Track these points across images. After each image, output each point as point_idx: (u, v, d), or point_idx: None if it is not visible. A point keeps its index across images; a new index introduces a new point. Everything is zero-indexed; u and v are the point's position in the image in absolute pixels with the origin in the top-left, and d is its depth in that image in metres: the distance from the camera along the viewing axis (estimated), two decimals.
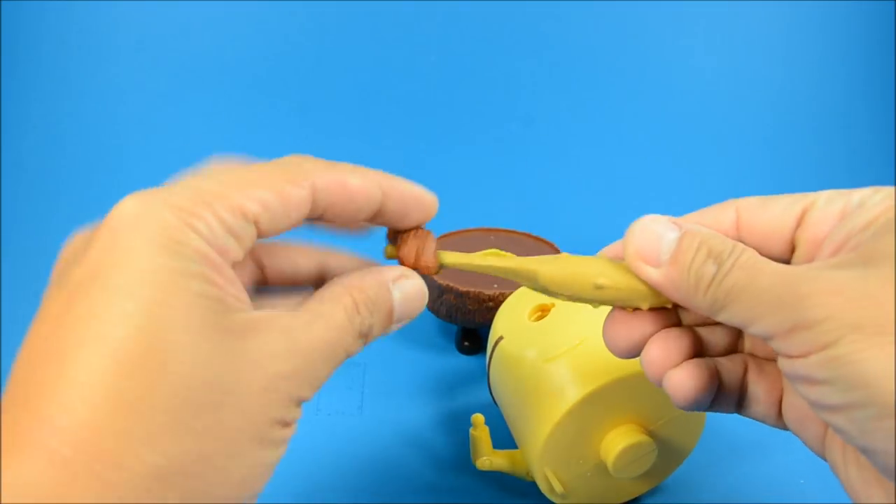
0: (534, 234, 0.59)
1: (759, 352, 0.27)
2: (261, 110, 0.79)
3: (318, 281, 0.27)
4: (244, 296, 0.21)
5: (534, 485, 0.38)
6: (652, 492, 0.41)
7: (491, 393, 0.43)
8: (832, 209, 0.24)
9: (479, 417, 0.37)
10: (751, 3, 0.81)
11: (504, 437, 0.43)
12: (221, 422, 0.19)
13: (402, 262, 0.26)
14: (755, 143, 0.82)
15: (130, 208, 0.20)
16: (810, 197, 0.25)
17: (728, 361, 0.26)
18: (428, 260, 0.26)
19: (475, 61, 0.81)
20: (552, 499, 0.38)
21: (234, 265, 0.21)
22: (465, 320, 0.50)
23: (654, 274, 0.24)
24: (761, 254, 0.24)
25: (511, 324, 0.41)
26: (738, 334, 0.27)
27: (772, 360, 0.26)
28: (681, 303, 0.24)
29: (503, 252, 0.56)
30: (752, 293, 0.21)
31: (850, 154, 0.81)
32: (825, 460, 0.24)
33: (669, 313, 0.27)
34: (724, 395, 0.26)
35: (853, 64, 0.83)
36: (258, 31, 0.80)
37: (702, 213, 0.26)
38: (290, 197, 0.22)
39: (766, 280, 0.21)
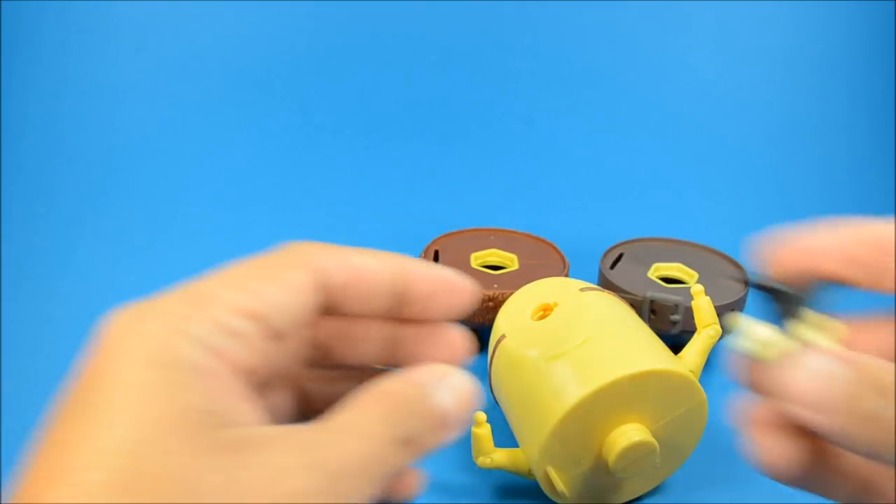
0: (534, 234, 0.59)
1: None
2: (261, 110, 0.79)
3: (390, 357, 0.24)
4: (247, 406, 0.19)
5: (535, 483, 0.38)
6: (652, 492, 0.41)
7: (492, 392, 0.43)
8: None
9: (480, 415, 0.37)
10: (751, 4, 0.81)
11: (505, 436, 0.44)
12: None
13: None
14: (755, 142, 0.82)
15: (119, 322, 0.18)
16: None
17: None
18: None
19: (475, 61, 0.81)
20: (553, 498, 0.38)
21: (260, 370, 0.19)
22: (465, 320, 0.50)
23: (822, 422, 0.19)
24: None
25: (513, 323, 0.41)
26: None
27: None
28: (852, 451, 0.20)
29: (504, 252, 0.56)
30: None
31: (851, 154, 0.81)
32: None
33: None
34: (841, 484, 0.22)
35: (853, 64, 0.83)
36: (258, 31, 0.80)
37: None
38: (291, 282, 0.20)
39: None
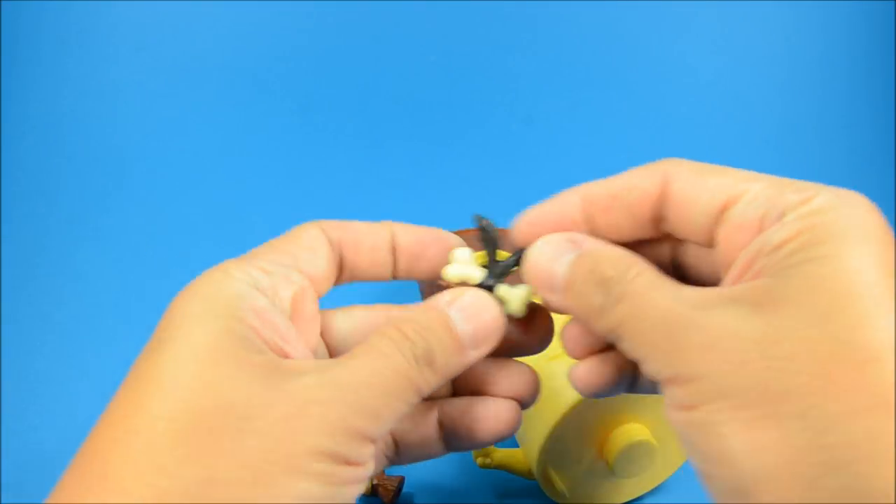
0: None
1: None
2: (261, 110, 0.79)
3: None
4: (283, 344, 0.21)
5: (535, 483, 0.38)
6: (652, 492, 0.41)
7: None
8: (753, 212, 0.19)
9: None
10: (751, 4, 0.81)
11: None
12: (242, 448, 0.18)
13: None
14: (755, 142, 0.82)
15: (184, 290, 0.22)
16: (741, 185, 0.20)
17: None
18: None
19: (475, 61, 0.81)
20: (553, 498, 0.38)
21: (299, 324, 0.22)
22: None
23: (553, 300, 0.22)
24: (686, 240, 0.21)
25: None
26: None
27: None
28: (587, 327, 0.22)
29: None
30: (636, 331, 0.19)
31: (851, 154, 0.82)
32: None
33: None
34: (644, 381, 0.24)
35: (853, 64, 0.83)
36: (258, 31, 0.80)
37: (626, 175, 0.23)
38: (309, 237, 0.23)
39: (650, 318, 0.18)
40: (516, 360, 0.26)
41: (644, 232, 0.23)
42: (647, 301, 0.19)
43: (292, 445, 0.18)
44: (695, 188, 0.21)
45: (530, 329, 0.25)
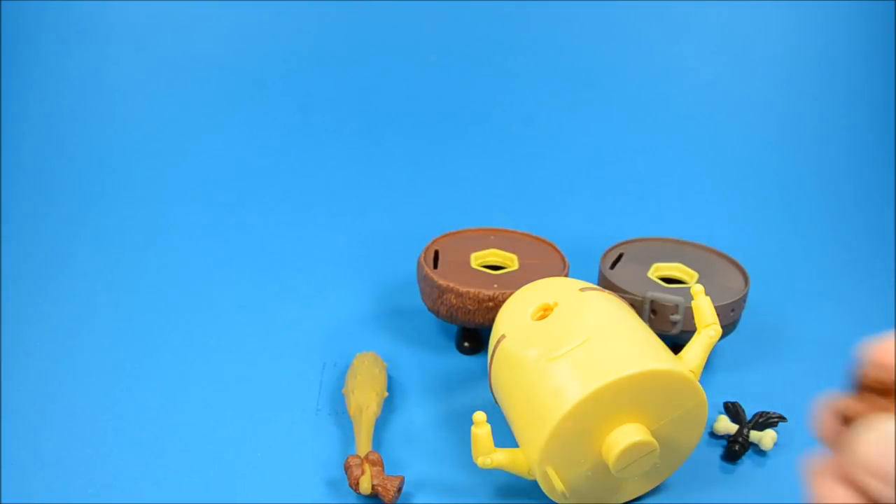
0: (534, 234, 0.59)
1: None
2: (261, 110, 0.79)
3: None
4: None
5: (535, 483, 0.38)
6: (652, 492, 0.41)
7: (492, 391, 0.43)
8: None
9: (480, 415, 0.37)
10: (751, 4, 0.81)
11: (505, 436, 0.44)
12: None
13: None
14: (756, 142, 0.82)
15: None
16: None
17: None
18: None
19: (475, 61, 0.81)
20: (553, 498, 0.38)
21: None
22: (465, 320, 0.50)
23: (886, 493, 0.19)
24: None
25: (513, 323, 0.41)
26: None
27: None
28: None
29: (504, 252, 0.56)
30: None
31: (851, 154, 0.81)
32: None
33: None
34: None
35: (853, 64, 0.83)
36: (258, 31, 0.80)
37: None
38: None
39: None
40: None
41: None
42: None
43: None
44: None
45: None
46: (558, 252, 0.56)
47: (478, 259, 0.55)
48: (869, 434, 0.20)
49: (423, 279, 0.52)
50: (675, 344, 0.49)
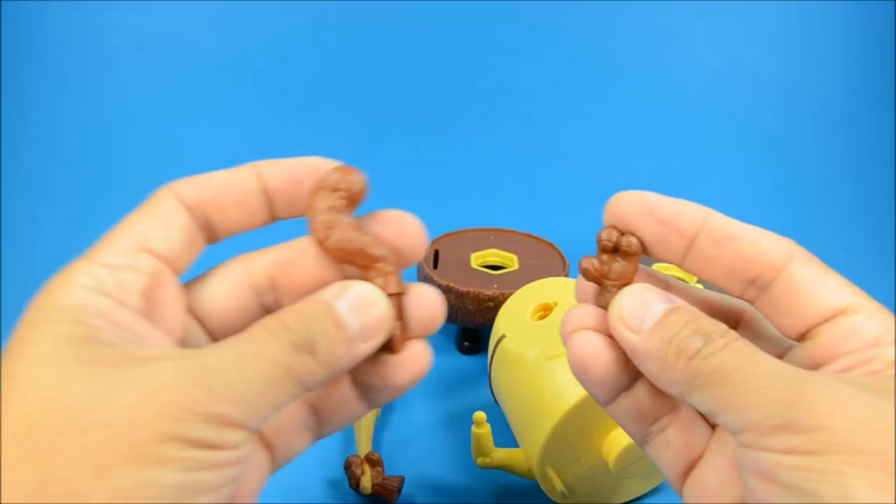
0: (534, 234, 0.59)
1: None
2: (261, 110, 0.79)
3: None
4: (138, 340, 0.20)
5: (535, 483, 0.38)
6: (652, 492, 0.41)
7: (492, 391, 0.43)
8: (874, 328, 0.21)
9: (480, 415, 0.37)
10: (751, 4, 0.81)
11: (505, 436, 0.44)
12: (82, 441, 0.17)
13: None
14: (755, 142, 0.82)
15: (33, 302, 0.21)
16: (860, 299, 0.22)
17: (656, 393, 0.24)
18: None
19: (476, 61, 0.81)
20: (553, 498, 0.38)
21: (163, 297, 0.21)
22: (465, 320, 0.50)
23: (632, 339, 0.22)
24: (768, 317, 0.22)
25: (513, 322, 0.41)
26: None
27: (709, 423, 0.24)
28: (649, 375, 0.22)
29: (504, 252, 0.56)
30: (744, 378, 0.19)
31: (851, 154, 0.82)
32: None
33: None
34: (631, 409, 0.24)
35: (853, 64, 0.83)
36: (258, 31, 0.80)
37: (755, 231, 0.23)
38: (160, 211, 0.23)
39: (763, 368, 0.19)
40: (416, 286, 0.24)
41: (728, 284, 0.23)
42: (758, 356, 0.20)
43: (137, 433, 0.17)
44: (818, 280, 0.22)
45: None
46: (558, 252, 0.56)
47: (478, 259, 0.55)
48: (630, 296, 0.23)
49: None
50: None
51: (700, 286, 0.39)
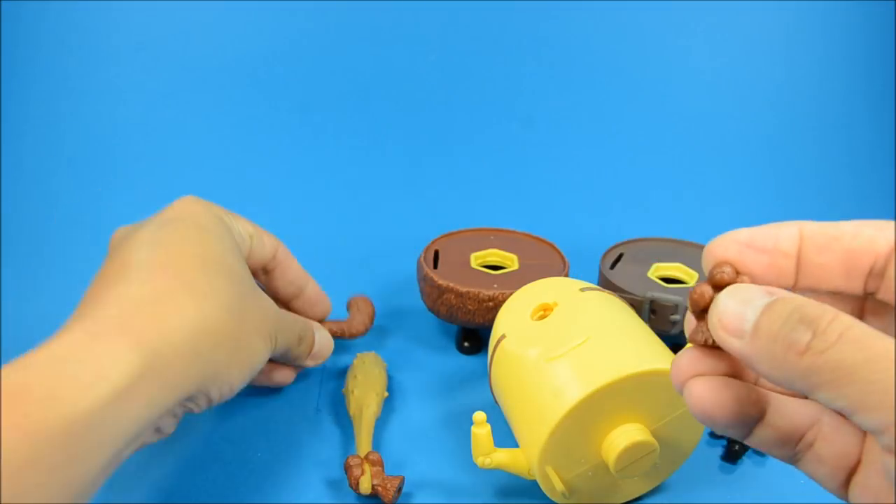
0: (534, 234, 0.59)
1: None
2: (261, 110, 0.79)
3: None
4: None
5: (535, 484, 0.38)
6: (652, 492, 0.41)
7: (492, 391, 0.43)
8: None
9: (480, 415, 0.37)
10: (752, 4, 0.81)
11: (505, 436, 0.44)
12: (246, 298, 0.36)
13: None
14: (755, 143, 0.82)
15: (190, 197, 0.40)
16: None
17: (796, 404, 0.23)
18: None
19: (475, 62, 0.81)
20: (553, 498, 0.38)
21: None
22: (465, 320, 0.50)
23: (737, 345, 0.20)
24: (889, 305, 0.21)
25: (513, 322, 0.41)
26: None
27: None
28: (766, 378, 0.20)
29: (503, 252, 0.56)
30: (871, 373, 0.17)
31: (851, 154, 0.81)
32: None
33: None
34: (771, 437, 0.23)
35: (853, 64, 0.83)
36: (258, 31, 0.80)
37: (853, 222, 0.22)
38: (263, 234, 0.45)
39: (885, 362, 0.17)
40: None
41: (849, 284, 0.22)
42: (878, 342, 0.18)
43: (264, 323, 0.38)
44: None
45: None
46: (558, 252, 0.56)
47: (478, 259, 0.55)
48: (722, 299, 0.21)
49: (423, 279, 0.52)
50: (675, 344, 0.49)
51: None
